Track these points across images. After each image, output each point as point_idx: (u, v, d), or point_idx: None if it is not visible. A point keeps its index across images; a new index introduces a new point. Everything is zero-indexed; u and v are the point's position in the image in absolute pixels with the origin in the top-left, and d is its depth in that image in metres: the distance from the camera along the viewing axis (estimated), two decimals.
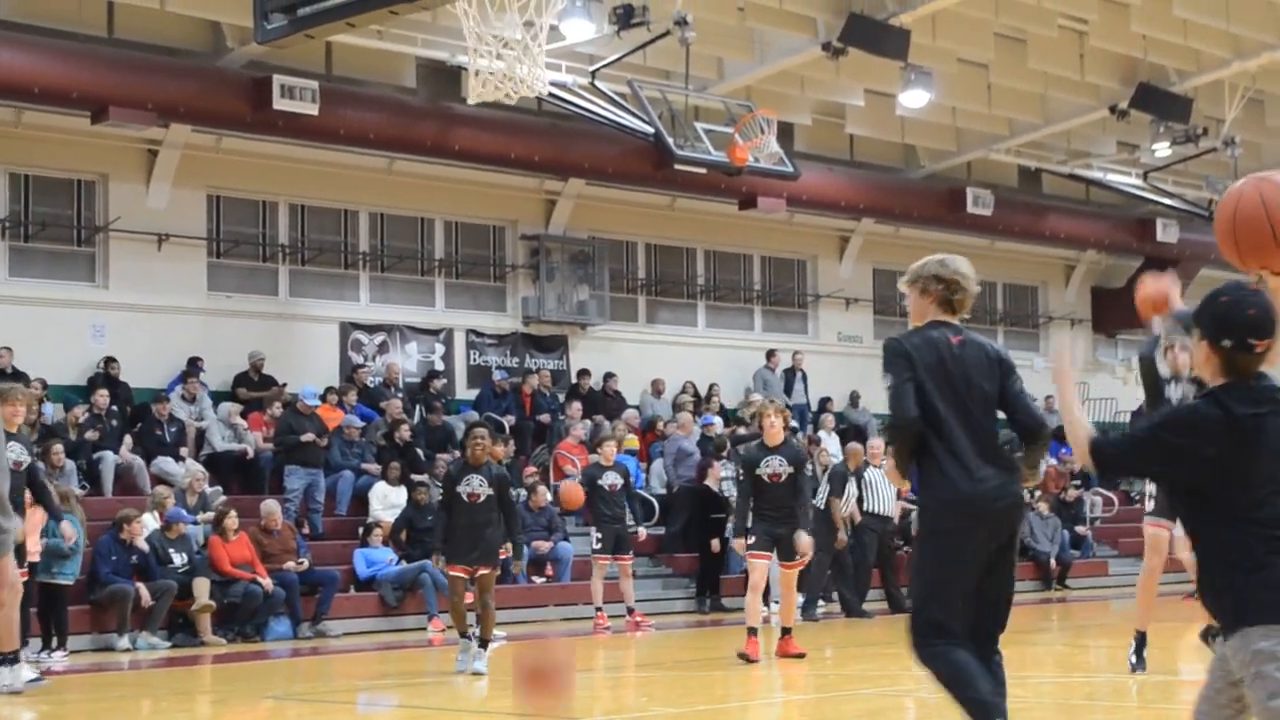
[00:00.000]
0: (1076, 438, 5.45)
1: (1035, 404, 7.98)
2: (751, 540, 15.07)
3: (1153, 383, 12.27)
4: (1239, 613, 5.12)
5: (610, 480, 20.48)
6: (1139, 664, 12.06)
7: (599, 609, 20.35)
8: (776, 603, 18.03)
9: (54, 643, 17.58)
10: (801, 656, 15.21)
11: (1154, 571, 11.92)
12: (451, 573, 14.53)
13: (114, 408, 21.90)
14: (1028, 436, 7.73)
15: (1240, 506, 5.21)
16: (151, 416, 22.34)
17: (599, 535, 20.39)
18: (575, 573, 23.22)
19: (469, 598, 14.95)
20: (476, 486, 14.30)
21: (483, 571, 14.38)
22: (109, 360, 22.56)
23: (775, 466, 14.79)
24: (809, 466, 12.99)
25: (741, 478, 15.43)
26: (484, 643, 14.54)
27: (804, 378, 29.63)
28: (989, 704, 7.22)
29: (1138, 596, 12.26)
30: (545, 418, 26.02)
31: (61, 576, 17.47)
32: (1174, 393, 12.52)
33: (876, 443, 22.90)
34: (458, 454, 19.23)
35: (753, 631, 15.25)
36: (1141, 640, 12.05)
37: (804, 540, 14.97)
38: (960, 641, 7.35)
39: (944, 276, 7.93)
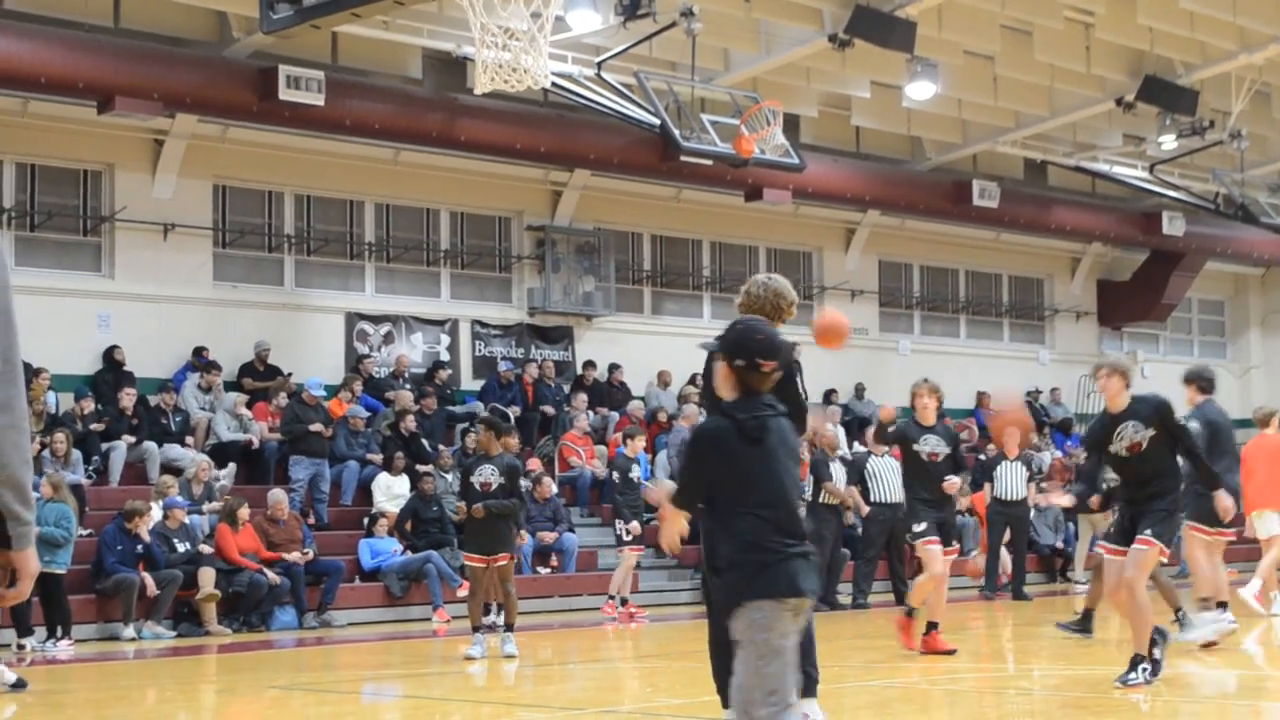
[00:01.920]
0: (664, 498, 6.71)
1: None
2: (921, 526, 13.81)
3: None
4: (742, 589, 6.13)
5: (637, 473, 20.68)
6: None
7: (625, 599, 20.63)
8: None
9: (59, 632, 17.60)
10: (951, 653, 13.87)
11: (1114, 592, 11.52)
12: (469, 563, 15.19)
13: (119, 397, 21.91)
14: None
15: (746, 497, 6.19)
16: (157, 406, 22.36)
17: (627, 528, 20.48)
18: (580, 564, 23.26)
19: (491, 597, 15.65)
20: (488, 476, 14.82)
21: (500, 561, 14.83)
22: (113, 349, 22.57)
23: (934, 445, 13.86)
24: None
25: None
26: (509, 627, 15.16)
27: (800, 370, 29.52)
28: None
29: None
30: (549, 409, 26.02)
31: (55, 565, 17.46)
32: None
33: None
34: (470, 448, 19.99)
35: (934, 625, 13.99)
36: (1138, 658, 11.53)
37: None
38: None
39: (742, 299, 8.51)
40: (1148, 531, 11.16)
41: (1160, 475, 11.32)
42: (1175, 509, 11.46)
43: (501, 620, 15.84)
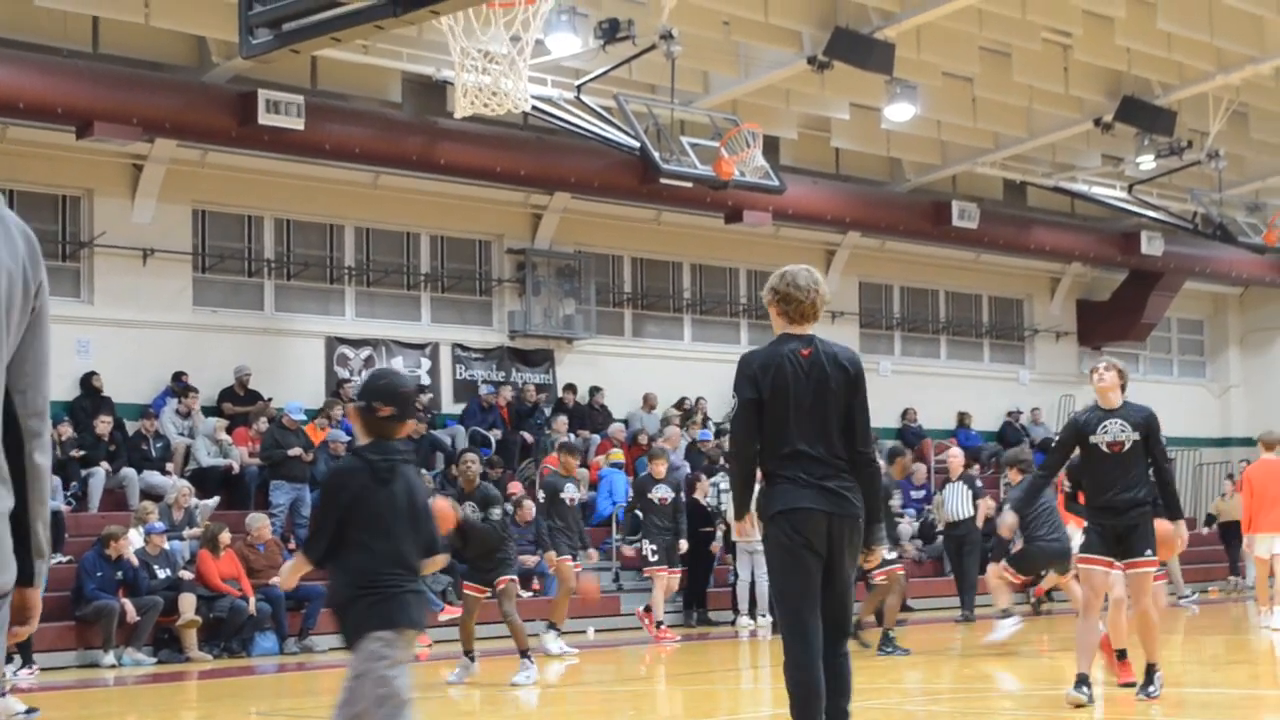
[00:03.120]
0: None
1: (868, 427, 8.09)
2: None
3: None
4: (359, 624, 6.61)
5: (660, 494, 20.77)
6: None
7: (661, 622, 20.74)
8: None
9: (20, 660, 17.48)
10: (1131, 685, 12.42)
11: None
12: (467, 591, 15.58)
13: (95, 424, 21.85)
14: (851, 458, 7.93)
15: (370, 536, 6.61)
16: (137, 432, 22.30)
17: (653, 548, 20.84)
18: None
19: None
20: (469, 514, 15.13)
21: (501, 585, 15.24)
22: (90, 375, 22.50)
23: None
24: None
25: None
26: (524, 653, 15.22)
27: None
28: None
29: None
30: (529, 435, 26.01)
31: None
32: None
33: None
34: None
35: (1121, 654, 12.93)
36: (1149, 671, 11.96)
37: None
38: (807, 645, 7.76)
39: (779, 289, 8.56)
40: (1148, 552, 11.35)
41: (1136, 483, 11.41)
42: (1151, 519, 11.49)
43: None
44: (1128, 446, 11.37)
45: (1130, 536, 11.36)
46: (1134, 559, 11.38)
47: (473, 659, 15.52)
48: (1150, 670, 11.80)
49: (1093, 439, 11.51)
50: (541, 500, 19.14)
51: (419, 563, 6.75)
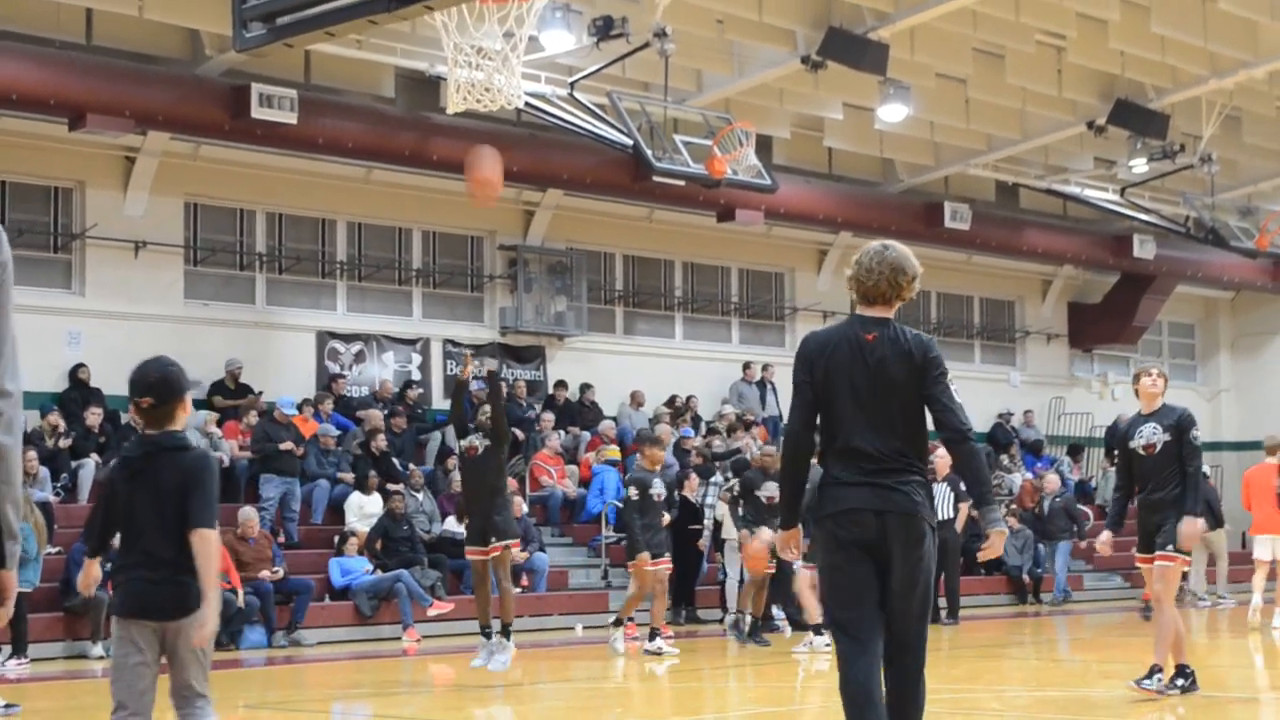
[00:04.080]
0: None
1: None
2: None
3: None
4: (111, 612, 6.78)
5: (658, 490, 20.56)
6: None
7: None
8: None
9: (11, 650, 17.47)
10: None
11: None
12: (469, 556, 14.93)
13: (85, 415, 21.84)
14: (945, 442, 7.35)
15: (121, 528, 6.88)
16: (126, 424, 22.28)
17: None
18: (551, 583, 23.24)
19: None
20: (472, 440, 14.64)
21: (494, 552, 14.53)
22: (78, 367, 22.47)
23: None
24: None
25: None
26: (505, 630, 14.60)
27: (774, 390, 29.67)
28: None
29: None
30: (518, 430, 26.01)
31: (24, 584, 17.36)
32: None
33: None
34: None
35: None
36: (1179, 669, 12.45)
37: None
38: (861, 649, 7.10)
39: (851, 269, 7.57)
40: (1169, 547, 11.94)
41: (1167, 483, 11.95)
42: (1178, 517, 11.93)
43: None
44: (1159, 448, 11.96)
45: (1157, 533, 12.00)
46: (1157, 553, 12.02)
47: (489, 636, 14.77)
48: (1153, 669, 12.20)
49: (1130, 444, 12.17)
50: (634, 497, 18.32)
51: (172, 552, 6.73)
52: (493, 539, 14.40)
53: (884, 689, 7.10)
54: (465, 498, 14.90)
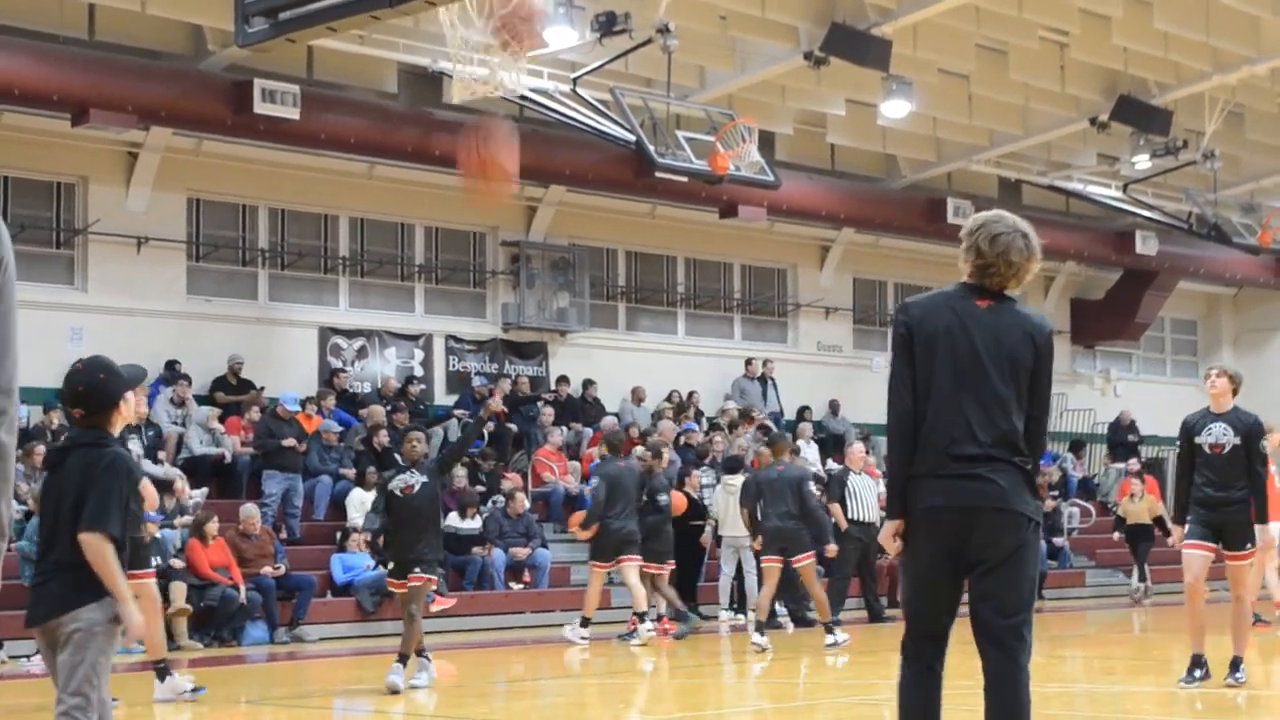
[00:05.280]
0: None
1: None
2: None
3: None
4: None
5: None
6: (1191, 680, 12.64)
7: (661, 615, 20.65)
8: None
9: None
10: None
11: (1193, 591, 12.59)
12: (393, 588, 14.26)
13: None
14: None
15: (45, 521, 6.66)
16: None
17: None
18: (553, 580, 23.25)
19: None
20: (408, 480, 13.69)
21: (414, 582, 13.60)
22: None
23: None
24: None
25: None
26: (403, 658, 13.56)
27: (775, 385, 29.67)
28: None
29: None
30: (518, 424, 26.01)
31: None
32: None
33: (858, 448, 22.95)
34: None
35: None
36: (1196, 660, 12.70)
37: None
38: (919, 659, 6.58)
39: (981, 249, 6.83)
40: (1248, 545, 12.28)
41: (1233, 483, 12.28)
42: (1249, 517, 12.32)
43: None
44: (1228, 449, 12.25)
45: (1227, 532, 12.29)
46: (1231, 552, 12.33)
47: (406, 659, 13.70)
48: (1235, 661, 12.51)
49: (1198, 439, 12.40)
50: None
51: (59, 553, 6.51)
52: (417, 569, 13.60)
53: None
54: (393, 530, 13.81)
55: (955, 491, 6.34)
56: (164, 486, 18.77)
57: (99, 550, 6.40)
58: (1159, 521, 27.36)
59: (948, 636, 6.57)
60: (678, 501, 20.76)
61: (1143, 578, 27.55)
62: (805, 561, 17.97)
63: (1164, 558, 29.62)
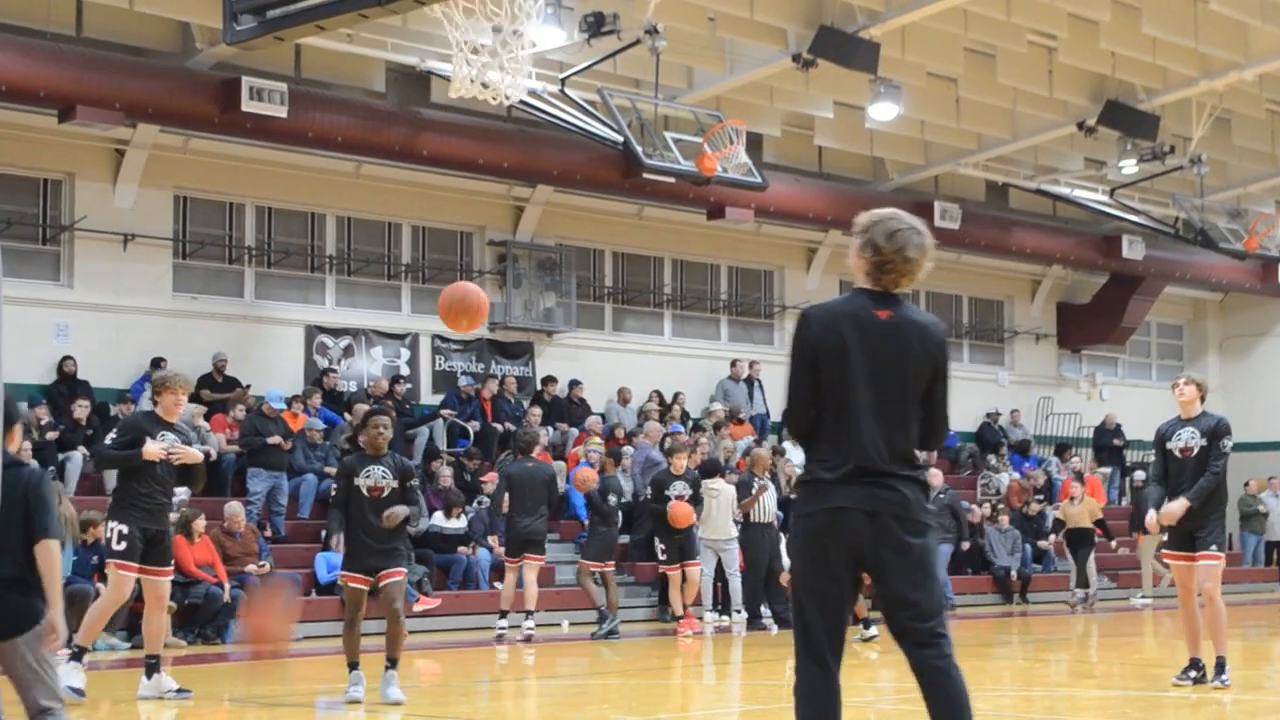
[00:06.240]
0: None
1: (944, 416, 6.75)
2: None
3: None
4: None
5: (679, 490, 20.74)
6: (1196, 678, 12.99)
7: (680, 617, 20.88)
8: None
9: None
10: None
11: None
12: (351, 584, 12.62)
13: (72, 408, 21.80)
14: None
15: None
16: (114, 417, 22.23)
17: (664, 546, 21.08)
18: (539, 580, 23.19)
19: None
20: (379, 479, 12.46)
21: (390, 579, 12.51)
22: (64, 360, 22.41)
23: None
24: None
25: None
26: (393, 662, 12.68)
27: (761, 387, 29.70)
28: None
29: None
30: (506, 425, 25.98)
31: None
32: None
33: None
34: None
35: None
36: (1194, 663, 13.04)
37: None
38: (817, 659, 6.49)
39: (879, 246, 6.98)
40: (1212, 546, 12.65)
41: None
42: (1223, 517, 12.88)
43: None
44: (1195, 452, 12.63)
45: (1197, 534, 12.62)
46: (1203, 553, 12.65)
47: (359, 666, 12.84)
48: (1220, 662, 12.77)
49: (1168, 445, 12.84)
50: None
51: (11, 565, 6.80)
52: (389, 564, 12.56)
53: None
54: (355, 523, 12.47)
55: (862, 497, 6.41)
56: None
57: (57, 556, 6.80)
58: (1100, 525, 27.16)
59: (835, 629, 6.52)
60: (679, 512, 20.67)
61: (1083, 584, 26.91)
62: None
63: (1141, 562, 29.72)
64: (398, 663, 12.70)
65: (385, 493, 12.43)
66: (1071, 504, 27.02)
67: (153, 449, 12.91)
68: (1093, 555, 27.11)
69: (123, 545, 12.86)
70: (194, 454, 13.40)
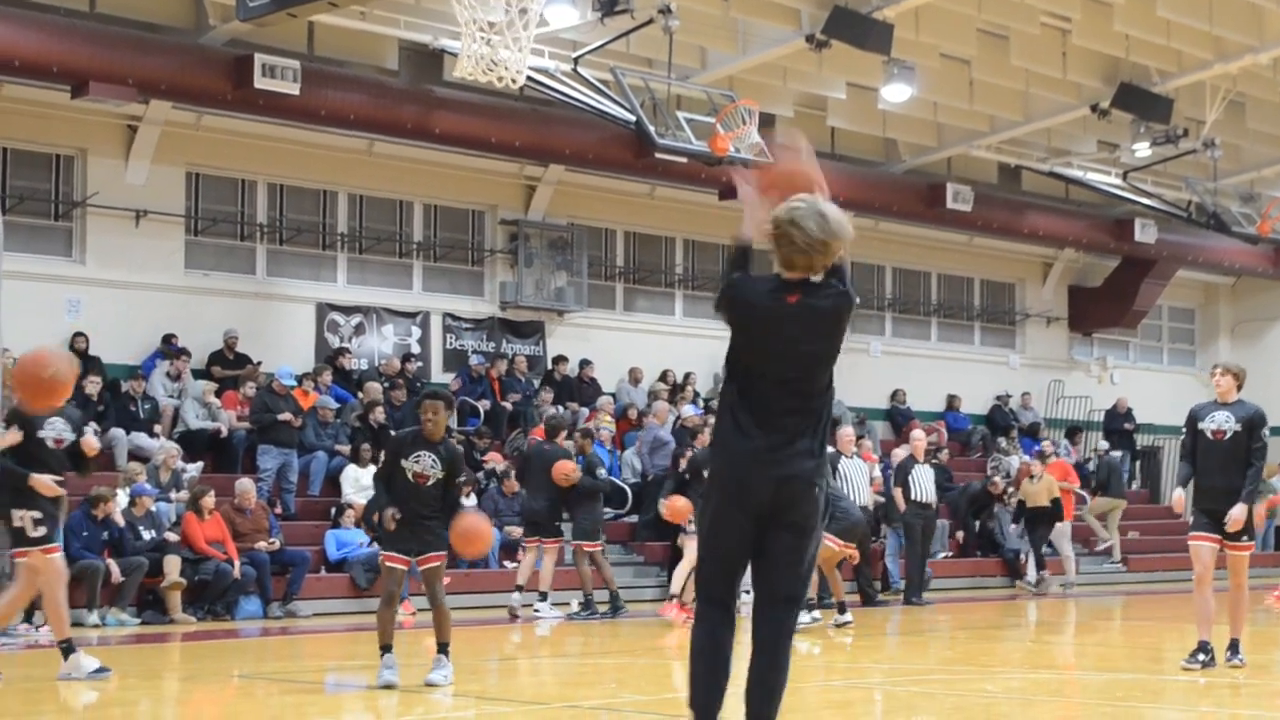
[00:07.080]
0: None
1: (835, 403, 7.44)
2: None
3: None
4: None
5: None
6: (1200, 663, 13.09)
7: (674, 596, 20.68)
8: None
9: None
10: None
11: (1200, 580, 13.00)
12: (389, 564, 12.21)
13: (83, 384, 21.81)
14: None
15: None
16: (125, 393, 22.29)
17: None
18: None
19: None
20: (427, 467, 11.94)
21: (433, 562, 12.17)
22: (75, 336, 22.43)
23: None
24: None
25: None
26: (443, 647, 12.37)
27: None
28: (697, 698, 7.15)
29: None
30: (514, 398, 25.99)
31: None
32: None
33: (848, 431, 22.91)
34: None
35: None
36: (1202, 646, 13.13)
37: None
38: (716, 611, 7.15)
39: (790, 235, 7.80)
40: (1244, 538, 12.84)
41: (1236, 473, 12.76)
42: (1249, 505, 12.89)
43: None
44: (1229, 436, 12.77)
45: (1224, 519, 12.72)
46: (1231, 543, 12.84)
47: (391, 650, 12.28)
48: (1233, 644, 13.00)
49: (1201, 425, 12.95)
50: None
51: None
52: (429, 548, 12.19)
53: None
54: (398, 506, 11.97)
55: (767, 463, 7.03)
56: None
57: None
58: (1056, 504, 26.59)
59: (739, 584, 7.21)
60: (678, 506, 20.58)
61: (1040, 566, 26.50)
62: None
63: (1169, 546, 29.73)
64: (447, 647, 12.35)
65: (430, 481, 11.92)
66: (1031, 482, 26.52)
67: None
68: (1068, 537, 27.06)
69: (41, 531, 12.74)
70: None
